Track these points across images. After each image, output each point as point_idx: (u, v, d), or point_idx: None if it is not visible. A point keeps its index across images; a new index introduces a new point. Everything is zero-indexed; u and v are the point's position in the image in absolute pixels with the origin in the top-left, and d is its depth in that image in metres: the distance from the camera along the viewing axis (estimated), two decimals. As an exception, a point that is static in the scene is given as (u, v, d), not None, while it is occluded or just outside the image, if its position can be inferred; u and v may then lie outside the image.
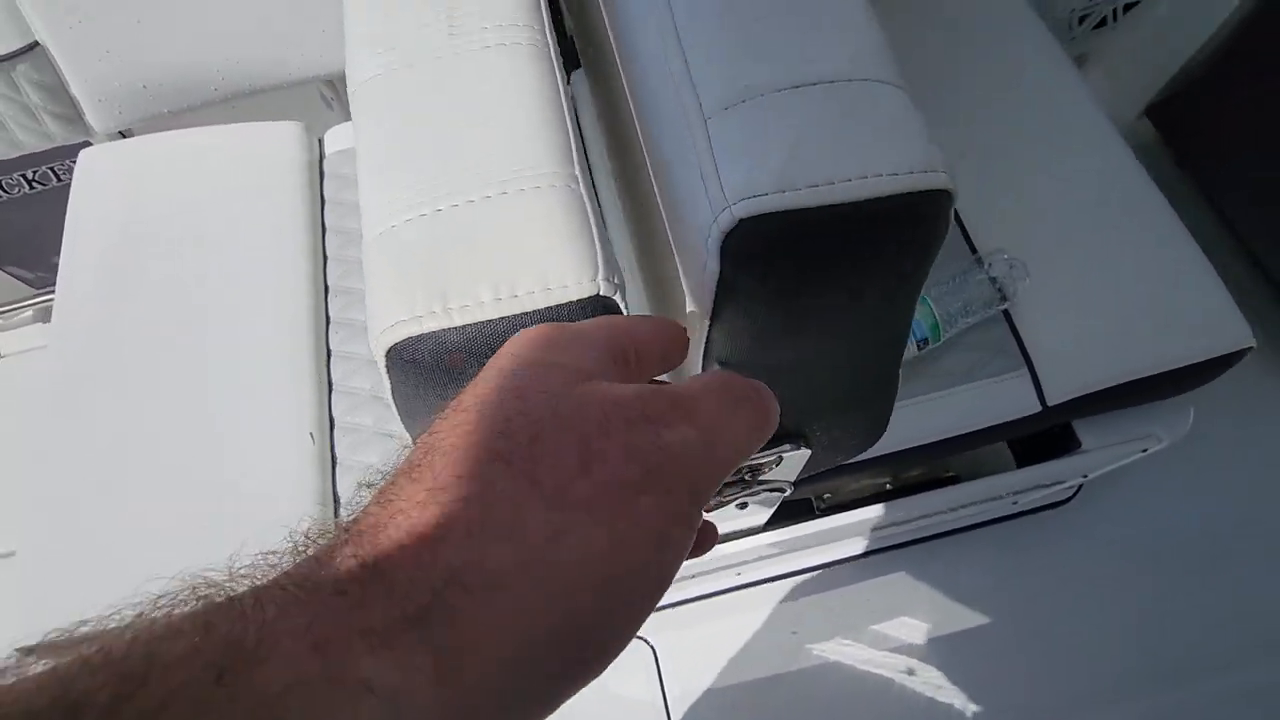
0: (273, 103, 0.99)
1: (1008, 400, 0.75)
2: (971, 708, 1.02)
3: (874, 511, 0.90)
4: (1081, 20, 1.27)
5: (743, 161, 0.27)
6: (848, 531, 0.94)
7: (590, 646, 0.18)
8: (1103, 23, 1.29)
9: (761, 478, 0.49)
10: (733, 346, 0.32)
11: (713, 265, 0.27)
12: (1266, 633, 1.01)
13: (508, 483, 0.17)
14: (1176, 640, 1.02)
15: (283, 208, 0.86)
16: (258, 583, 0.16)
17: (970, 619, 1.04)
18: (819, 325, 0.32)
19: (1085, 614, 1.04)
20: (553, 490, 0.17)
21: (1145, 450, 0.83)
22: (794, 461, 0.46)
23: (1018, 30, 0.93)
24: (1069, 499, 1.05)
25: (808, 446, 0.45)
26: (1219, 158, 1.20)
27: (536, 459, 0.18)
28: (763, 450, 0.44)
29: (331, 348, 0.81)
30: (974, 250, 0.80)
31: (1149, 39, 1.29)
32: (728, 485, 0.50)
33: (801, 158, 0.26)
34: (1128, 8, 1.26)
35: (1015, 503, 0.99)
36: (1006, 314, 0.78)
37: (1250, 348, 0.73)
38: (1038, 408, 0.74)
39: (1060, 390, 0.74)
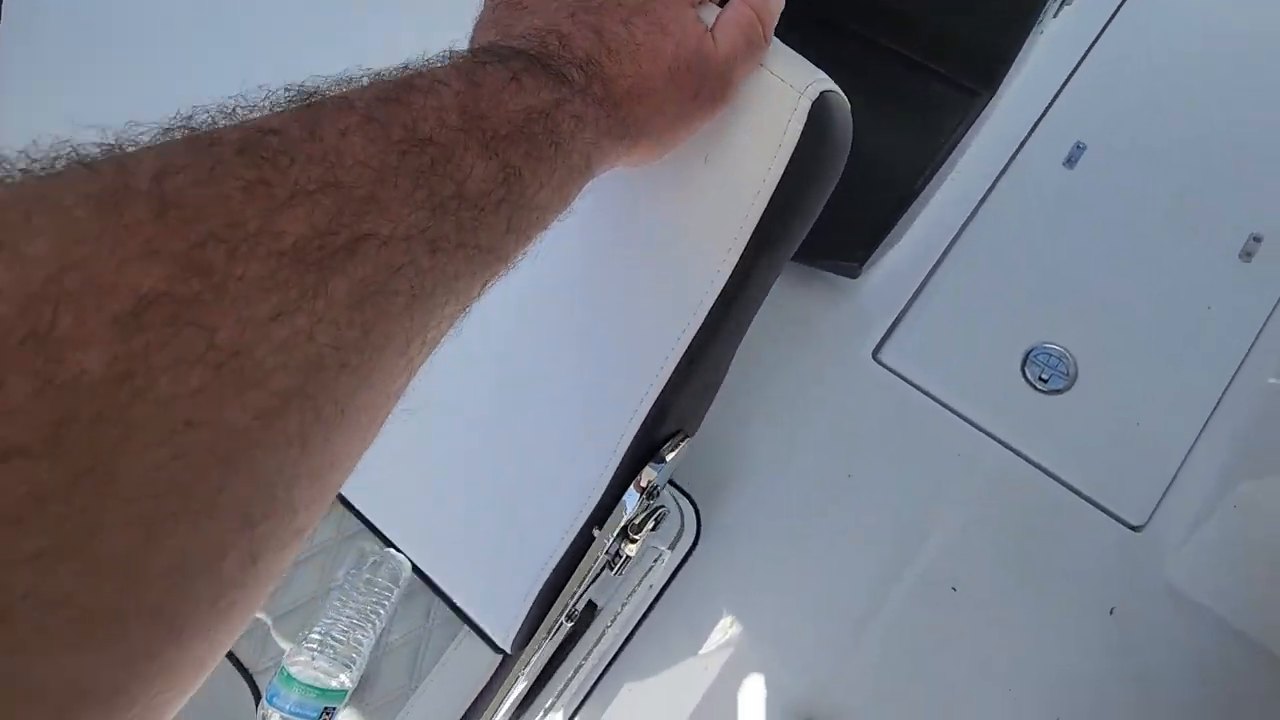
0: None
1: (471, 666, 0.65)
2: None
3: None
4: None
5: None
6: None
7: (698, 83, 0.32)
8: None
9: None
10: None
11: None
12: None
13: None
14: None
15: None
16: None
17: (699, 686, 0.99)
18: None
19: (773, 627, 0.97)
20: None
21: (660, 559, 0.76)
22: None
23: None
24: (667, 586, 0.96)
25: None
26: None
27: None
28: None
29: None
30: (378, 534, 0.67)
31: None
32: None
33: None
34: None
35: (651, 586, 0.92)
36: (421, 573, 0.67)
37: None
38: (499, 656, 0.65)
39: (505, 631, 0.64)
